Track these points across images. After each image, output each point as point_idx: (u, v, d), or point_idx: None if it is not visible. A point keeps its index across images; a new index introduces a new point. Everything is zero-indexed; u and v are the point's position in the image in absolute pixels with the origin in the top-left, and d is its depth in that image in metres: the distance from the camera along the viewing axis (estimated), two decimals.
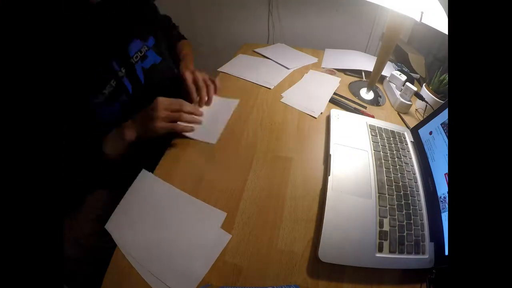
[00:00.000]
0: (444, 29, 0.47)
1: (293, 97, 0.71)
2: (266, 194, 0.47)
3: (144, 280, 0.37)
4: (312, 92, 0.74)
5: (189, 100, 0.61)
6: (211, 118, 0.61)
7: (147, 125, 0.51)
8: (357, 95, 0.74)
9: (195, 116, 0.57)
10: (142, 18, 0.62)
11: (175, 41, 0.80)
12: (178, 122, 0.53)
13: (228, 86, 0.73)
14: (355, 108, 0.68)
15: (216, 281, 0.37)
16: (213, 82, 0.65)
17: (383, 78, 0.80)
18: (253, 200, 0.46)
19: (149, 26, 0.64)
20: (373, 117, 0.66)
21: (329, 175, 0.48)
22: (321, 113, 0.67)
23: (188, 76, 0.62)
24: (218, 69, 0.80)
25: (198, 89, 0.63)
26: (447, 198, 0.44)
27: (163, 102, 0.52)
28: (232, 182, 0.49)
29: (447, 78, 0.68)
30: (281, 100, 0.69)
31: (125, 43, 0.57)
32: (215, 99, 0.66)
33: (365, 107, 0.71)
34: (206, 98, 0.64)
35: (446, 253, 0.40)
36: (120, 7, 0.56)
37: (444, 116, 0.52)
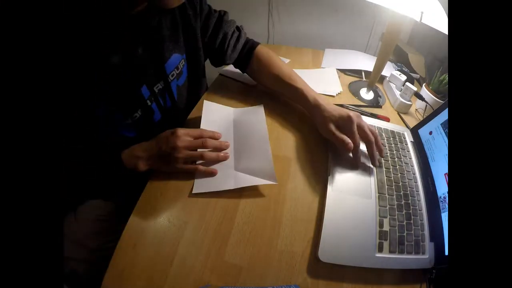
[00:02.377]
0: (444, 29, 0.47)
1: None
2: (266, 194, 0.47)
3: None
4: (314, 78, 0.75)
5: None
6: (253, 152, 0.51)
7: (163, 165, 0.47)
8: (357, 95, 0.74)
9: (221, 154, 0.48)
10: (188, 29, 0.55)
11: (245, 52, 0.65)
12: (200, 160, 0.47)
13: (228, 87, 0.73)
14: (371, 114, 0.67)
15: (216, 281, 0.37)
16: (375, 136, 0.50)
17: (383, 78, 0.81)
18: (253, 200, 0.46)
19: (189, 32, 0.55)
20: (388, 120, 0.66)
21: (329, 175, 0.48)
22: (339, 92, 0.70)
23: (369, 126, 0.50)
24: (220, 72, 0.80)
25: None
26: (447, 198, 0.44)
27: (182, 138, 0.46)
28: None
29: (447, 78, 0.68)
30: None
31: (164, 60, 0.50)
32: (237, 110, 0.59)
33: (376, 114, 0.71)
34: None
35: (446, 253, 0.40)
36: (165, 17, 0.49)
37: (444, 116, 0.52)
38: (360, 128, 0.49)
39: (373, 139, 0.49)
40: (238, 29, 0.65)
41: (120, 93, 0.46)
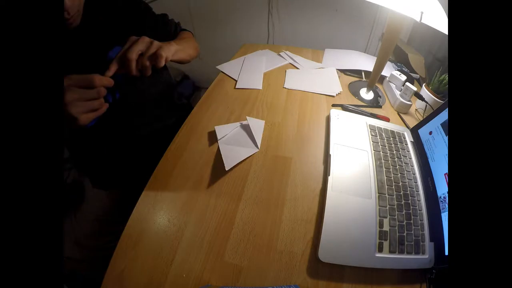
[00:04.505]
0: (444, 29, 0.47)
1: (297, 82, 0.75)
2: (266, 194, 0.47)
3: (144, 280, 0.37)
4: (314, 78, 0.77)
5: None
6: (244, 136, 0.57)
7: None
8: (357, 95, 0.74)
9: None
10: (127, 23, 0.58)
11: (172, 38, 0.71)
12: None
13: (228, 87, 0.73)
14: (371, 114, 0.67)
15: (216, 281, 0.37)
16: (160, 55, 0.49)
17: (383, 78, 0.81)
18: (253, 200, 0.46)
19: (134, 30, 0.55)
20: (388, 120, 0.66)
21: (329, 175, 0.48)
22: (339, 93, 0.71)
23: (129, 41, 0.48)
24: (217, 66, 0.80)
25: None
26: (447, 198, 0.44)
27: (69, 81, 0.40)
28: (232, 182, 0.49)
29: (447, 78, 0.68)
30: (284, 86, 0.74)
31: (104, 51, 0.52)
32: (249, 118, 0.61)
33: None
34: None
35: (446, 253, 0.40)
36: (102, 13, 0.53)
37: (444, 116, 0.52)
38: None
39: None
40: (176, 26, 0.73)
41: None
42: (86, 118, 0.42)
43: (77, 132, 0.47)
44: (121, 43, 0.51)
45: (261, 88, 0.73)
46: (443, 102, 0.65)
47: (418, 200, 0.48)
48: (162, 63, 0.49)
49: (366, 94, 0.74)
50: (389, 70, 0.80)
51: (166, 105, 0.69)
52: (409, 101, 0.70)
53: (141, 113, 0.57)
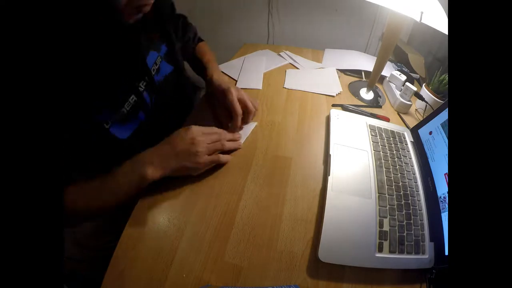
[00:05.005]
0: (444, 29, 0.47)
1: (297, 82, 0.76)
2: (266, 194, 0.47)
3: (144, 280, 0.37)
4: (314, 78, 0.77)
5: (222, 116, 0.58)
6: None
7: (185, 163, 0.44)
8: (357, 95, 0.74)
9: (236, 142, 0.52)
10: (157, 26, 0.56)
11: (193, 45, 0.74)
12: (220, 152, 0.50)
13: None
14: (371, 114, 0.67)
15: (216, 281, 0.37)
16: (255, 106, 0.59)
17: (383, 78, 0.81)
18: (253, 200, 0.46)
19: (163, 33, 0.57)
20: (388, 120, 0.66)
21: (329, 175, 0.48)
22: (339, 93, 0.72)
23: (233, 97, 0.54)
24: (219, 67, 0.80)
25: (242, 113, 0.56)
26: (447, 198, 0.44)
27: (199, 134, 0.46)
28: (232, 182, 0.49)
29: (447, 78, 0.68)
30: (284, 86, 0.74)
31: (144, 57, 0.51)
32: None
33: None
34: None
35: (446, 253, 0.40)
36: (148, 22, 0.50)
37: (444, 116, 0.52)
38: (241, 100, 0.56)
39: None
40: (195, 33, 0.76)
41: (113, 86, 0.45)
42: (205, 163, 0.46)
43: (107, 145, 0.47)
44: (156, 48, 0.55)
45: (261, 88, 0.73)
46: (443, 102, 0.65)
47: (418, 200, 0.48)
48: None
49: (366, 94, 0.74)
50: (389, 70, 0.80)
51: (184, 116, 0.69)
52: (409, 101, 0.70)
53: (167, 128, 0.55)
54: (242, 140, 0.56)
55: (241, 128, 0.58)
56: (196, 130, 0.46)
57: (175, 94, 0.64)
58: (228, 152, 0.53)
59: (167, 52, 0.58)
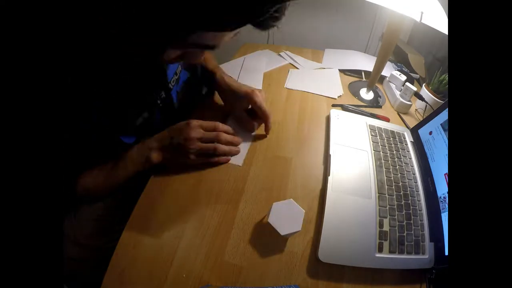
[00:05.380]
0: (444, 29, 0.47)
1: (299, 83, 0.76)
2: (266, 195, 0.47)
3: (144, 280, 0.37)
4: (316, 79, 0.77)
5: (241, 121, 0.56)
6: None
7: (177, 156, 0.46)
8: (357, 95, 0.74)
9: (233, 148, 0.51)
10: None
11: None
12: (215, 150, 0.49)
13: None
14: (371, 114, 0.67)
15: (216, 281, 0.37)
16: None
17: (383, 78, 0.80)
18: (253, 200, 0.46)
19: None
20: (388, 120, 0.66)
21: (329, 175, 0.48)
22: (340, 95, 0.72)
23: (261, 102, 0.53)
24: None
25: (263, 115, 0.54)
26: (447, 198, 0.44)
27: (196, 130, 0.46)
28: (232, 182, 0.49)
29: (447, 78, 0.68)
30: (286, 86, 0.74)
31: (165, 71, 0.50)
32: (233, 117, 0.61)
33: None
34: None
35: (446, 253, 0.40)
36: None
37: (444, 116, 0.52)
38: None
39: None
40: None
41: (125, 98, 0.45)
42: (194, 161, 0.47)
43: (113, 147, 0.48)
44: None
45: (261, 88, 0.73)
46: (443, 102, 0.65)
47: (418, 200, 0.48)
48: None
49: (366, 94, 0.74)
50: (389, 70, 0.80)
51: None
52: (409, 101, 0.70)
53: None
54: (249, 139, 0.55)
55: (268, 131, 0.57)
56: (194, 126, 0.46)
57: (190, 99, 0.64)
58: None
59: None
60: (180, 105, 0.59)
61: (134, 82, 0.45)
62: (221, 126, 0.50)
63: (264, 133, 0.57)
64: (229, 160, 0.51)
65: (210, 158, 0.49)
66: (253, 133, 0.57)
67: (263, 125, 0.57)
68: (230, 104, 0.59)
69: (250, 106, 0.56)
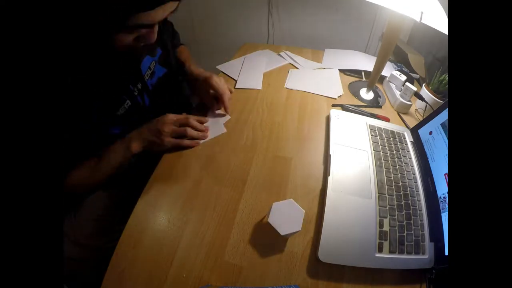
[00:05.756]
0: (444, 29, 0.47)
1: (299, 83, 0.76)
2: (266, 195, 0.47)
3: (144, 280, 0.37)
4: (316, 79, 0.77)
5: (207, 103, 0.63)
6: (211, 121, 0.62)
7: (153, 139, 0.51)
8: (357, 95, 0.74)
9: (201, 132, 0.56)
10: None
11: (175, 48, 0.78)
12: (185, 138, 0.54)
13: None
14: (371, 114, 0.67)
15: (216, 281, 0.37)
16: (230, 91, 0.65)
17: (383, 78, 0.80)
18: (253, 200, 0.46)
19: (161, 41, 0.62)
20: (388, 120, 0.66)
21: (329, 175, 0.48)
22: (340, 95, 0.72)
23: (217, 83, 0.61)
24: (217, 66, 0.80)
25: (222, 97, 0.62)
26: (447, 198, 0.44)
27: (170, 117, 0.53)
28: (232, 182, 0.49)
29: (447, 78, 0.68)
30: (286, 86, 0.75)
31: (139, 63, 0.55)
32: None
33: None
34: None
35: (446, 253, 0.40)
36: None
37: (444, 116, 0.52)
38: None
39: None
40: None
41: (109, 91, 0.50)
42: (169, 142, 0.52)
43: (100, 139, 0.51)
44: (151, 53, 0.58)
45: (261, 88, 0.73)
46: (443, 102, 0.65)
47: (418, 200, 0.48)
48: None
49: (366, 94, 0.74)
50: (389, 70, 0.80)
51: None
52: (409, 101, 0.70)
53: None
54: (218, 133, 0.59)
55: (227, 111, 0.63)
56: (170, 116, 0.53)
57: (171, 94, 0.69)
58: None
59: (161, 56, 0.62)
60: (155, 98, 0.61)
61: (111, 72, 0.49)
62: (192, 116, 0.56)
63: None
64: (198, 144, 0.56)
65: (181, 141, 0.54)
66: (218, 111, 0.64)
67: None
68: (197, 92, 0.67)
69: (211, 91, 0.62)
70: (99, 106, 0.48)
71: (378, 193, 0.47)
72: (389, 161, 0.53)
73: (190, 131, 0.54)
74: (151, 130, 0.52)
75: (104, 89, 0.48)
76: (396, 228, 0.43)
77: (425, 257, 0.42)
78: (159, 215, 0.44)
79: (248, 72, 0.79)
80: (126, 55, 0.47)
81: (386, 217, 0.44)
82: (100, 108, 0.48)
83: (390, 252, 0.41)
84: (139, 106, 0.56)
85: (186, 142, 0.54)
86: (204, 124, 0.59)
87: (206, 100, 0.64)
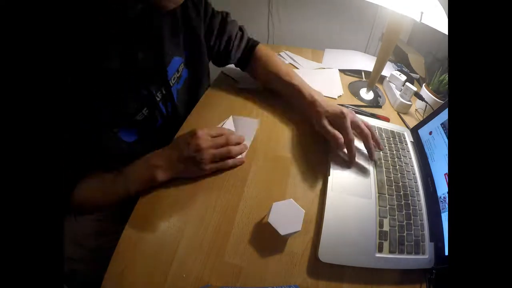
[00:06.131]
0: (444, 29, 0.47)
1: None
2: (266, 194, 0.47)
3: (144, 280, 0.37)
4: (316, 79, 0.76)
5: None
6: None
7: (190, 169, 0.45)
8: (357, 95, 0.74)
9: (243, 146, 0.50)
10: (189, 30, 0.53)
11: (247, 52, 0.66)
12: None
13: (229, 86, 0.73)
14: (371, 114, 0.67)
15: (216, 281, 0.37)
16: (369, 129, 0.51)
17: (383, 78, 0.81)
18: (253, 200, 0.46)
19: (184, 19, 0.53)
20: (388, 120, 0.66)
21: (329, 175, 0.48)
22: (340, 95, 0.71)
23: (348, 123, 0.49)
24: (221, 70, 0.80)
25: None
26: (447, 198, 0.44)
27: (204, 137, 0.44)
28: (232, 182, 0.49)
29: (447, 78, 0.68)
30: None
31: (165, 65, 0.49)
32: (236, 118, 0.59)
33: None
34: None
35: (446, 253, 0.40)
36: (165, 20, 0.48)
37: (444, 116, 0.52)
38: (354, 123, 0.49)
39: (368, 133, 0.49)
40: (241, 29, 0.66)
41: (124, 94, 0.45)
42: (211, 169, 0.46)
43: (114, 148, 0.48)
44: (180, 53, 0.53)
45: (261, 88, 0.73)
46: (443, 102, 0.65)
47: (418, 200, 0.48)
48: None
49: (366, 94, 0.74)
50: (389, 70, 0.80)
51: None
52: (409, 101, 0.70)
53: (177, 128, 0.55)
54: (248, 142, 0.54)
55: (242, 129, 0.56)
56: (202, 135, 0.45)
57: (191, 99, 0.63)
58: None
59: (187, 56, 0.56)
60: (180, 104, 0.58)
61: (133, 74, 0.44)
62: (224, 130, 0.51)
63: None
64: (244, 160, 0.49)
65: (224, 163, 0.47)
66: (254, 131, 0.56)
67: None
68: (319, 125, 0.53)
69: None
70: (103, 106, 0.44)
71: (378, 193, 0.47)
72: (389, 161, 0.53)
73: (234, 150, 0.47)
74: (185, 158, 0.44)
75: (110, 89, 0.43)
76: (396, 228, 0.43)
77: (425, 257, 0.42)
78: (159, 215, 0.44)
79: None
80: (153, 56, 0.43)
81: (386, 217, 0.44)
82: (107, 109, 0.44)
83: (390, 252, 0.41)
84: (160, 113, 0.51)
85: (230, 163, 0.47)
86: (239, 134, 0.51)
87: (332, 137, 0.50)
